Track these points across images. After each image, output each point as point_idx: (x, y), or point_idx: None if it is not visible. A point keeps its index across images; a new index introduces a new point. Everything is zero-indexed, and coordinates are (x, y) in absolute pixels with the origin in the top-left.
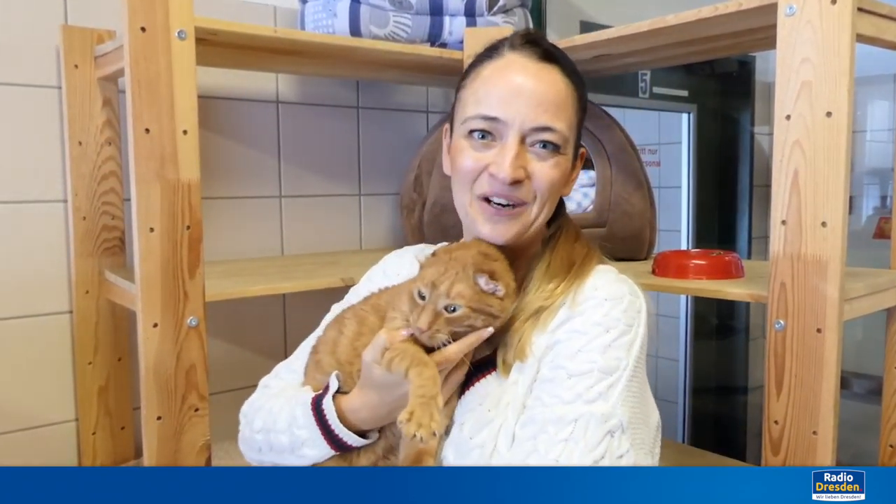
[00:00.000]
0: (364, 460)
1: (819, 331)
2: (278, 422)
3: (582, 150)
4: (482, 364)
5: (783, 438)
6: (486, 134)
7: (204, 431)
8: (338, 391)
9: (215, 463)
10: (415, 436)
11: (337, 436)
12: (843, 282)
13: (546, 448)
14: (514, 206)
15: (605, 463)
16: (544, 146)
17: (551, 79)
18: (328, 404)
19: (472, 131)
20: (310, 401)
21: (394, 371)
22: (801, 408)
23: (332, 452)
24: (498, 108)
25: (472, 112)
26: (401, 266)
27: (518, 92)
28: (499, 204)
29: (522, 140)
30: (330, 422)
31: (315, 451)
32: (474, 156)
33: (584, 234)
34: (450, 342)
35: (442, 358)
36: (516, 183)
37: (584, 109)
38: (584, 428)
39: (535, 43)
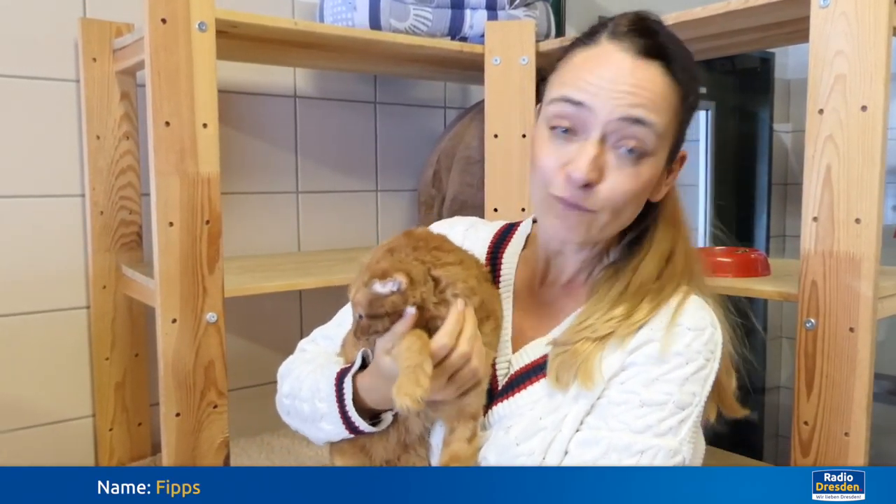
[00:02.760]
0: (380, 450)
1: (852, 330)
2: (303, 389)
3: (682, 152)
4: (536, 367)
5: (813, 440)
6: (569, 128)
7: (222, 428)
8: (363, 366)
9: (233, 459)
10: (403, 406)
11: (350, 417)
12: (877, 279)
13: None
14: (586, 210)
15: None
16: (630, 151)
17: (649, 76)
18: (348, 383)
19: (554, 126)
20: (335, 375)
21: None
22: (833, 409)
23: (346, 433)
24: (584, 94)
25: (557, 94)
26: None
27: (607, 81)
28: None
29: (604, 139)
30: (346, 402)
31: (332, 427)
32: (554, 152)
33: (681, 254)
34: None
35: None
36: (588, 187)
37: (690, 110)
38: (649, 461)
39: (638, 33)
